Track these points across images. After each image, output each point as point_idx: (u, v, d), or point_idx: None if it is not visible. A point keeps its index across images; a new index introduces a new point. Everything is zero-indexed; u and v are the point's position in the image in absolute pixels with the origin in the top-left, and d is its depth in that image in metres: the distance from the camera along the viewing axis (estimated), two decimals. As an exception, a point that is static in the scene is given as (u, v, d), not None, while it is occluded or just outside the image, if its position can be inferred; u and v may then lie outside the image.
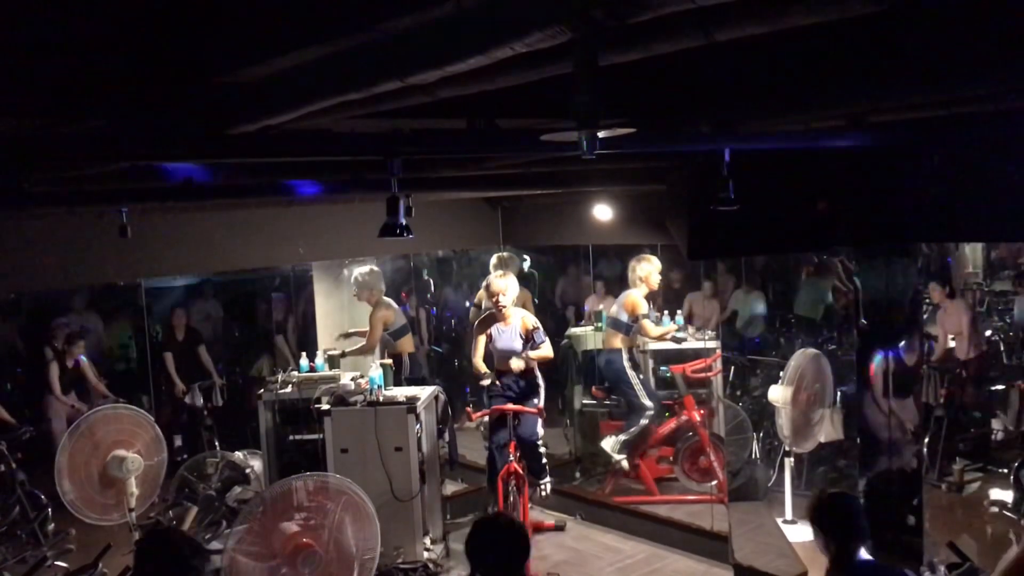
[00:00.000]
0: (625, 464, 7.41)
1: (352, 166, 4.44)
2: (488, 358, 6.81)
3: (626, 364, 7.29)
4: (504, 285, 6.59)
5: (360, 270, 7.57)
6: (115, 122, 3.00)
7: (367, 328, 7.52)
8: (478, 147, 3.94)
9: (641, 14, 1.85)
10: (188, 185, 4.13)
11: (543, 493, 6.91)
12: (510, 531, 3.15)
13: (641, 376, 7.39)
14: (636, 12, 1.84)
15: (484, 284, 6.94)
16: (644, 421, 7.31)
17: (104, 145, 3.13)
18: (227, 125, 2.98)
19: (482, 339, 6.75)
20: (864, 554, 3.34)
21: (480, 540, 3.15)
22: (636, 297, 7.26)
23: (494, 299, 6.60)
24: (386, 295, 7.65)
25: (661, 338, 7.48)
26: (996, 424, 7.78)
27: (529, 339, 6.64)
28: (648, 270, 7.26)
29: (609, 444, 7.41)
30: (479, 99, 2.88)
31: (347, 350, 7.44)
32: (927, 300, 9.23)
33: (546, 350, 6.71)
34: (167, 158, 3.60)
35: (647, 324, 7.29)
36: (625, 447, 7.38)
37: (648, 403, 7.30)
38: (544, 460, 6.91)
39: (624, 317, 7.29)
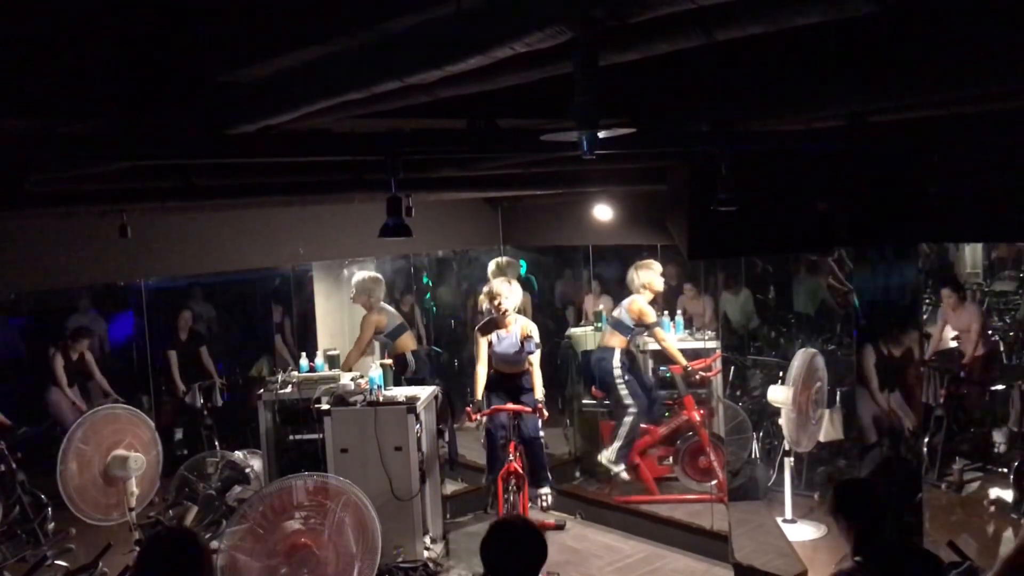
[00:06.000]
0: (625, 475, 7.37)
1: (352, 166, 4.44)
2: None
3: (616, 363, 7.26)
4: (505, 289, 6.59)
5: (362, 274, 7.48)
6: (115, 122, 3.00)
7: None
8: (478, 147, 3.94)
9: (641, 14, 1.85)
10: (188, 185, 4.13)
11: (544, 504, 6.84)
12: (527, 534, 3.02)
13: (627, 378, 7.31)
14: (636, 12, 1.84)
15: (485, 289, 6.90)
16: (628, 419, 7.28)
17: (104, 145, 3.14)
18: (227, 125, 2.98)
19: (484, 345, 6.75)
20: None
21: (496, 543, 3.01)
22: (643, 305, 7.21)
23: (495, 302, 6.59)
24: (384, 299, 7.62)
25: (675, 352, 7.30)
26: (998, 437, 7.74)
27: (523, 346, 6.64)
28: (650, 277, 7.21)
29: (606, 456, 7.38)
30: (479, 99, 2.89)
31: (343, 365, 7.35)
32: (927, 300, 9.23)
33: (535, 359, 6.72)
34: (167, 158, 3.60)
35: (662, 334, 7.27)
36: (621, 455, 7.34)
37: (629, 402, 7.26)
38: (545, 460, 6.90)
39: (628, 321, 7.26)
